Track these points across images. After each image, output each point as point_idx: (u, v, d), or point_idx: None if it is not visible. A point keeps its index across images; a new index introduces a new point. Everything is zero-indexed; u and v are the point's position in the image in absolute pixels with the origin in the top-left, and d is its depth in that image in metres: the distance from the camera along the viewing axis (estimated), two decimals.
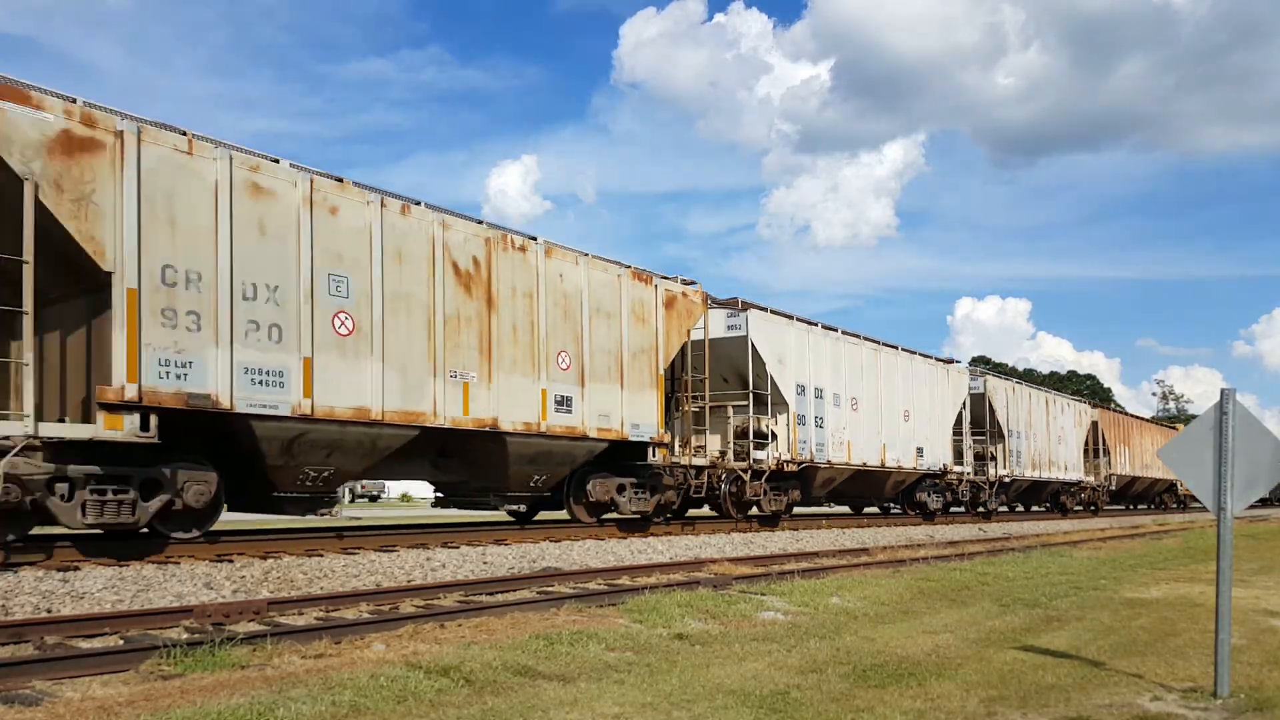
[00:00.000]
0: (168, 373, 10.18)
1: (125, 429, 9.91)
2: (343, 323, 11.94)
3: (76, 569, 9.87)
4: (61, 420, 10.52)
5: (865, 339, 24.13)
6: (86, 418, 10.16)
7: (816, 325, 22.52)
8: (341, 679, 5.81)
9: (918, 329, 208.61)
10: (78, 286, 10.34)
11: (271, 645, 6.67)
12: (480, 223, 14.24)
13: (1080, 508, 38.48)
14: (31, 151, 9.32)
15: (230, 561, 10.94)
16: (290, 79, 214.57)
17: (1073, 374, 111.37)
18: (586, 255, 15.83)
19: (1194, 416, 12.95)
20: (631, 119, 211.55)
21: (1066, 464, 35.92)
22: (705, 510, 21.10)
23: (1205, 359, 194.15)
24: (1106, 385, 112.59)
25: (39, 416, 9.66)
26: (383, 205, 12.57)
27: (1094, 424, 39.14)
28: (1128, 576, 13.97)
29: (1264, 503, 64.78)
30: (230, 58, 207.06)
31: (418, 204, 13.17)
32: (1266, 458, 6.06)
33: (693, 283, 18.28)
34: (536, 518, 18.57)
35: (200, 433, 10.97)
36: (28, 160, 9.30)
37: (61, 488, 9.87)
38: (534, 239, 14.98)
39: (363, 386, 12.10)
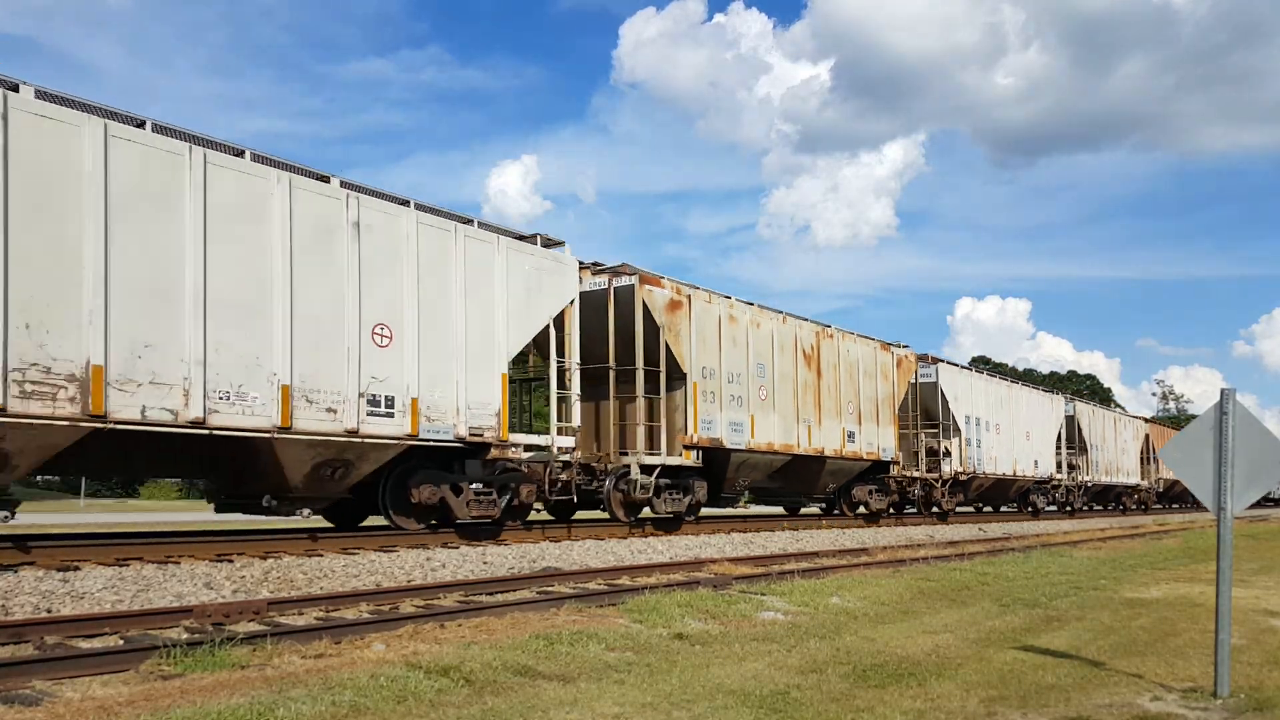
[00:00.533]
0: (704, 427, 18.30)
1: (691, 459, 18.11)
2: (764, 393, 20.07)
3: (77, 569, 9.87)
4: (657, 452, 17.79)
5: (1002, 378, 30.77)
6: (669, 452, 17.88)
7: (981, 372, 31.70)
8: (341, 679, 5.81)
9: (918, 329, 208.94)
10: (668, 380, 17.81)
11: (271, 645, 6.67)
12: (812, 321, 22.16)
13: (1136, 507, 45.74)
14: (660, 311, 17.49)
15: (230, 561, 10.93)
16: (290, 79, 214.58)
17: (1073, 374, 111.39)
18: (855, 334, 23.45)
19: (1194, 416, 12.94)
20: (631, 119, 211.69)
21: (1129, 470, 43.90)
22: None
23: (1205, 359, 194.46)
24: (1106, 385, 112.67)
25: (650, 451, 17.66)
26: (783, 320, 21.04)
27: (1146, 436, 47.01)
28: (1128, 576, 13.97)
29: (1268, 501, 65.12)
30: (230, 58, 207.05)
31: (789, 315, 21.32)
32: (1266, 458, 6.06)
33: (906, 346, 25.51)
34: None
35: (707, 460, 18.63)
36: (659, 315, 17.48)
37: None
38: (829, 326, 22.75)
39: (771, 430, 20.21)
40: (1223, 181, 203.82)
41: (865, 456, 23.43)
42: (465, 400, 13.80)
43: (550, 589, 10.41)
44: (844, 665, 6.77)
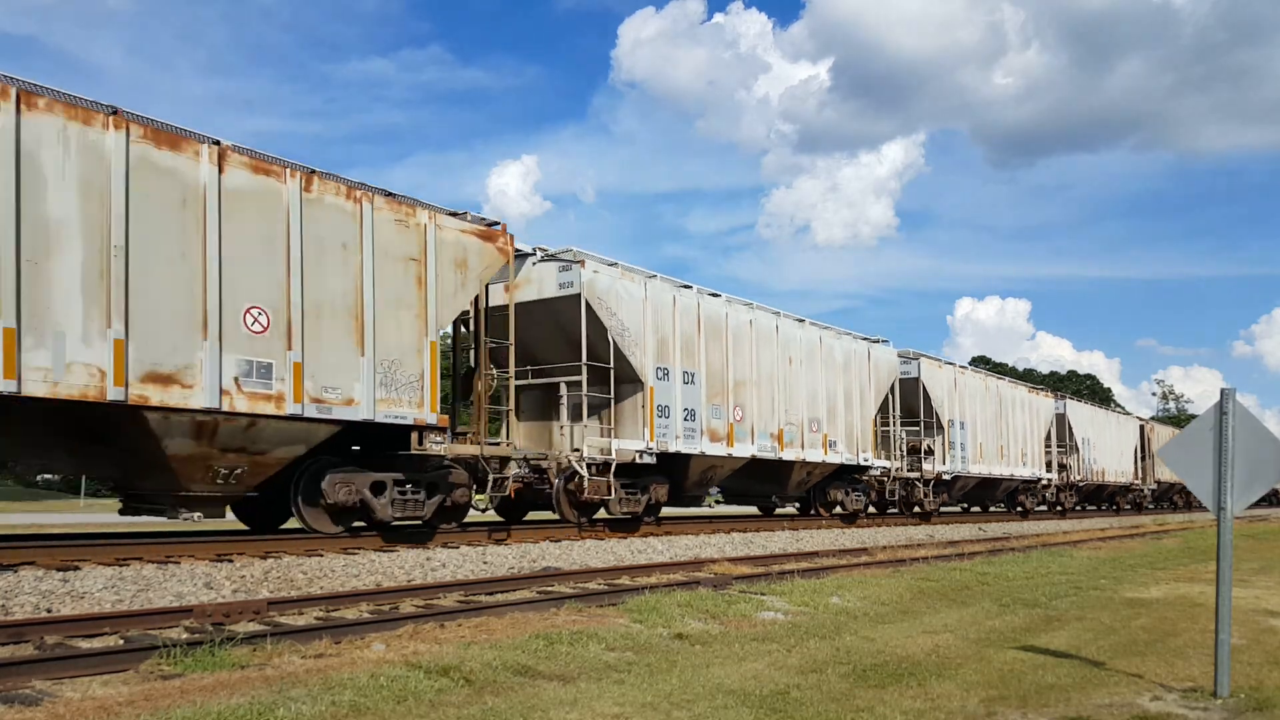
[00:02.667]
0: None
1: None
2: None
3: (77, 569, 9.87)
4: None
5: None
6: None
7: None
8: (341, 679, 5.81)
9: (918, 329, 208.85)
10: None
11: (271, 645, 6.67)
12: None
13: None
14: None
15: (230, 561, 10.93)
16: (291, 79, 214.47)
17: (1073, 374, 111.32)
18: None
19: (1194, 416, 12.94)
20: (632, 119, 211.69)
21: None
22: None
23: (1205, 359, 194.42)
24: (1106, 385, 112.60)
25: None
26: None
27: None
28: (1128, 576, 13.97)
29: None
30: (230, 58, 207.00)
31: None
32: (1266, 458, 6.06)
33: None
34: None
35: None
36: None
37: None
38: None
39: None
40: (1223, 181, 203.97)
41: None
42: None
43: (550, 589, 10.41)
44: (844, 665, 6.77)
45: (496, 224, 14.31)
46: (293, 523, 13.32)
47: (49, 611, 8.25)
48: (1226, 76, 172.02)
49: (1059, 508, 37.03)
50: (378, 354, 12.44)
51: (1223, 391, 6.15)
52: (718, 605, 9.29)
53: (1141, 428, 47.07)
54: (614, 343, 16.22)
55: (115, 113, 10.15)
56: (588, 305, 15.94)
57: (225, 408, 10.84)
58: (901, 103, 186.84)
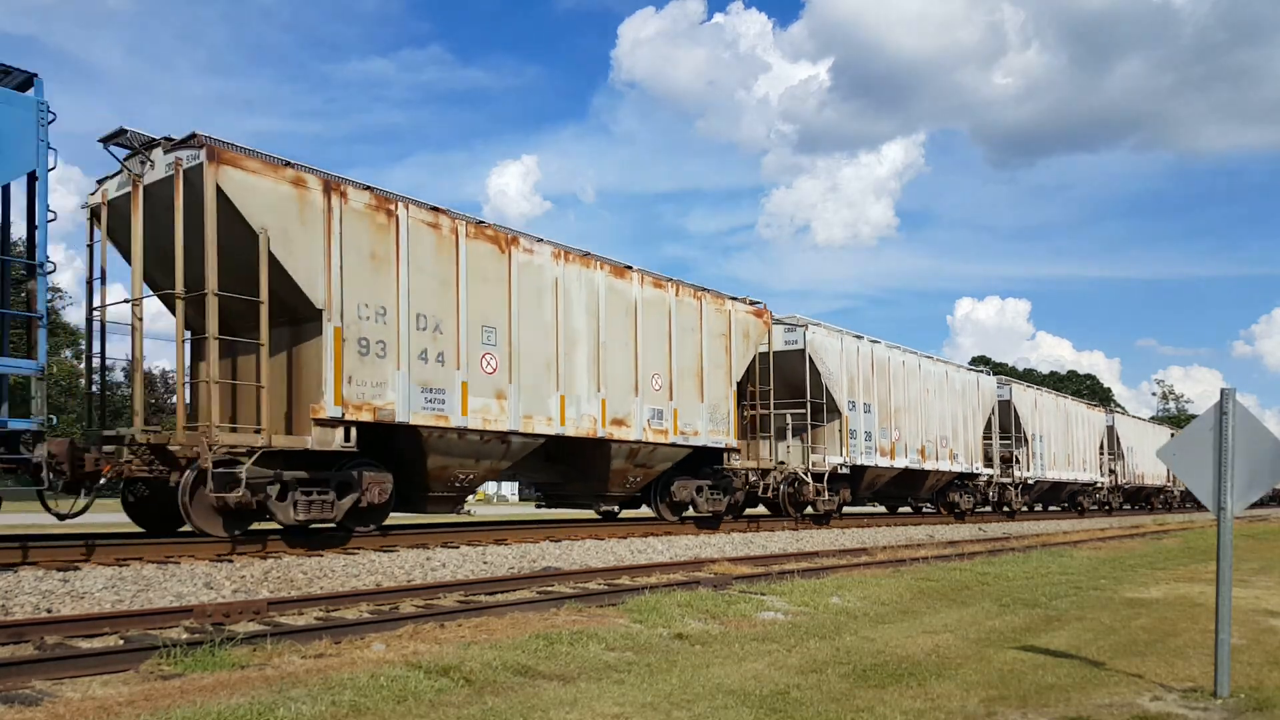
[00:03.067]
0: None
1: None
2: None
3: (76, 569, 9.87)
4: None
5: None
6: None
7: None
8: (341, 679, 5.81)
9: (918, 329, 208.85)
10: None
11: (271, 645, 6.67)
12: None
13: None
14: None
15: (230, 561, 10.94)
16: (291, 79, 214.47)
17: (1073, 374, 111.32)
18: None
19: (1194, 416, 12.94)
20: (632, 119, 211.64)
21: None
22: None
23: (1205, 359, 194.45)
24: (1106, 385, 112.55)
25: None
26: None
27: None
28: (1128, 576, 13.97)
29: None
30: (230, 58, 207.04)
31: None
32: (1266, 458, 6.05)
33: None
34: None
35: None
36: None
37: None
38: (629, 267, 18.23)
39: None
40: (1223, 181, 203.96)
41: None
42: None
43: (550, 589, 10.41)
44: (844, 665, 6.77)
45: (761, 303, 20.39)
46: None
47: (49, 611, 8.25)
48: (1226, 76, 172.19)
49: (1107, 506, 42.36)
50: (708, 400, 18.56)
51: (1223, 391, 6.15)
52: (718, 605, 9.28)
53: (1173, 435, 47.79)
54: (826, 385, 22.27)
55: (588, 255, 16.15)
56: (810, 357, 22.11)
57: (644, 439, 17.00)
58: (901, 103, 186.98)
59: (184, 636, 7.05)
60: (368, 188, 12.67)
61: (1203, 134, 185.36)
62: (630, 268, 17.08)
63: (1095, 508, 41.41)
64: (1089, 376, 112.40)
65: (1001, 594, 11.32)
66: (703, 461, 19.09)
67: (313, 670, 6.12)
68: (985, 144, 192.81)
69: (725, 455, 19.03)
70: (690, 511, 19.52)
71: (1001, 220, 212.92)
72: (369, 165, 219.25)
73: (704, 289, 18.84)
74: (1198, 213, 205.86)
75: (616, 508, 19.30)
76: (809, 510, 22.99)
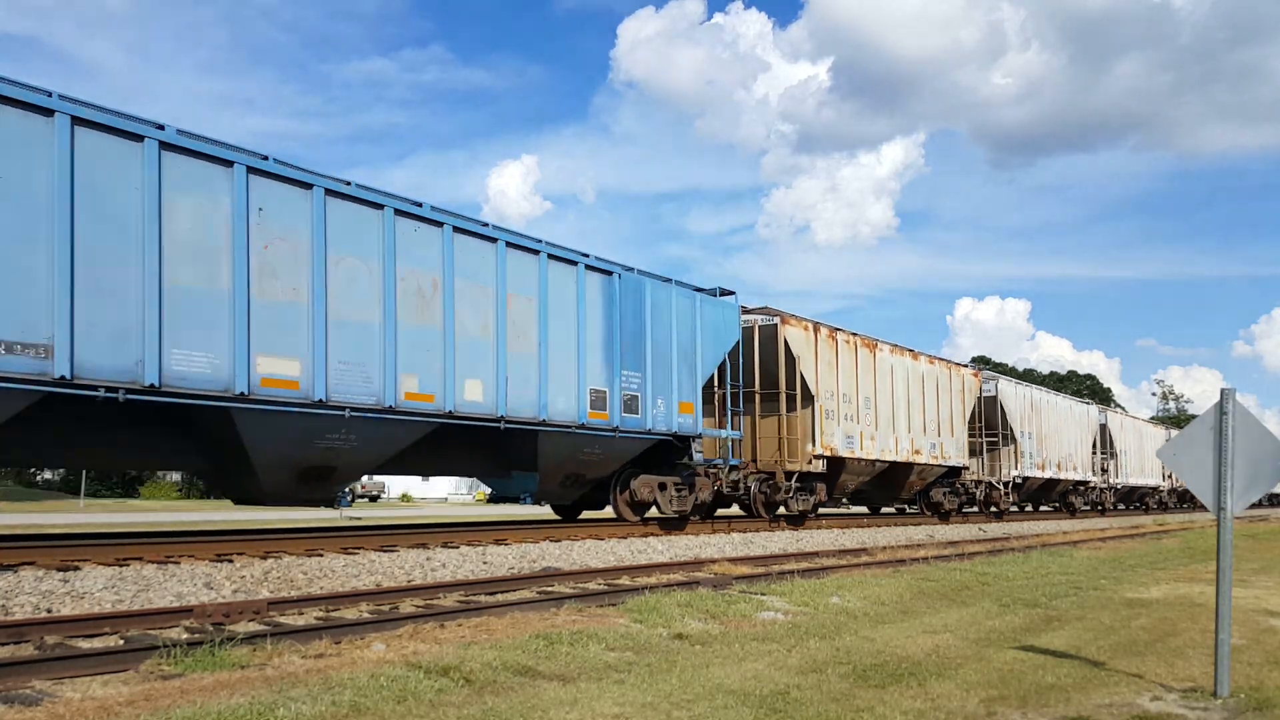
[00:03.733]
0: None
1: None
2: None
3: (77, 569, 9.87)
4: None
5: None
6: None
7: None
8: (341, 679, 5.81)
9: (918, 329, 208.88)
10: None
11: (271, 645, 6.67)
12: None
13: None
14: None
15: (230, 561, 10.94)
16: (291, 79, 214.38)
17: (1072, 374, 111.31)
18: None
19: (1194, 416, 12.94)
20: (632, 119, 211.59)
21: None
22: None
23: (1205, 359, 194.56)
24: (1106, 385, 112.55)
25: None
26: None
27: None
28: (1128, 576, 13.97)
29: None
30: (231, 57, 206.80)
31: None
32: (1266, 458, 6.06)
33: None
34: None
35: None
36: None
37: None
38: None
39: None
40: (1223, 181, 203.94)
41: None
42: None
43: (550, 589, 10.41)
44: (844, 665, 6.77)
45: (973, 368, 28.29)
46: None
47: (49, 611, 8.25)
48: (1226, 76, 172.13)
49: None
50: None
51: (1223, 391, 6.15)
52: (718, 605, 9.28)
53: (1170, 435, 48.24)
54: (1010, 423, 26.70)
55: (856, 334, 22.38)
56: (1001, 404, 27.68)
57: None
58: (901, 103, 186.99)
59: (184, 636, 7.05)
60: (854, 334, 23.06)
61: (1202, 134, 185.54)
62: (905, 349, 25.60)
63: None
64: (1089, 376, 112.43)
65: (1001, 594, 11.32)
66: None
67: (313, 670, 6.12)
68: (985, 144, 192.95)
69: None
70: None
71: (1001, 220, 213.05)
72: (369, 165, 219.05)
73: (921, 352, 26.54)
74: (1198, 213, 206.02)
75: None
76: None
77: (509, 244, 14.36)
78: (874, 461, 23.68)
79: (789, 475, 20.97)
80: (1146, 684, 6.44)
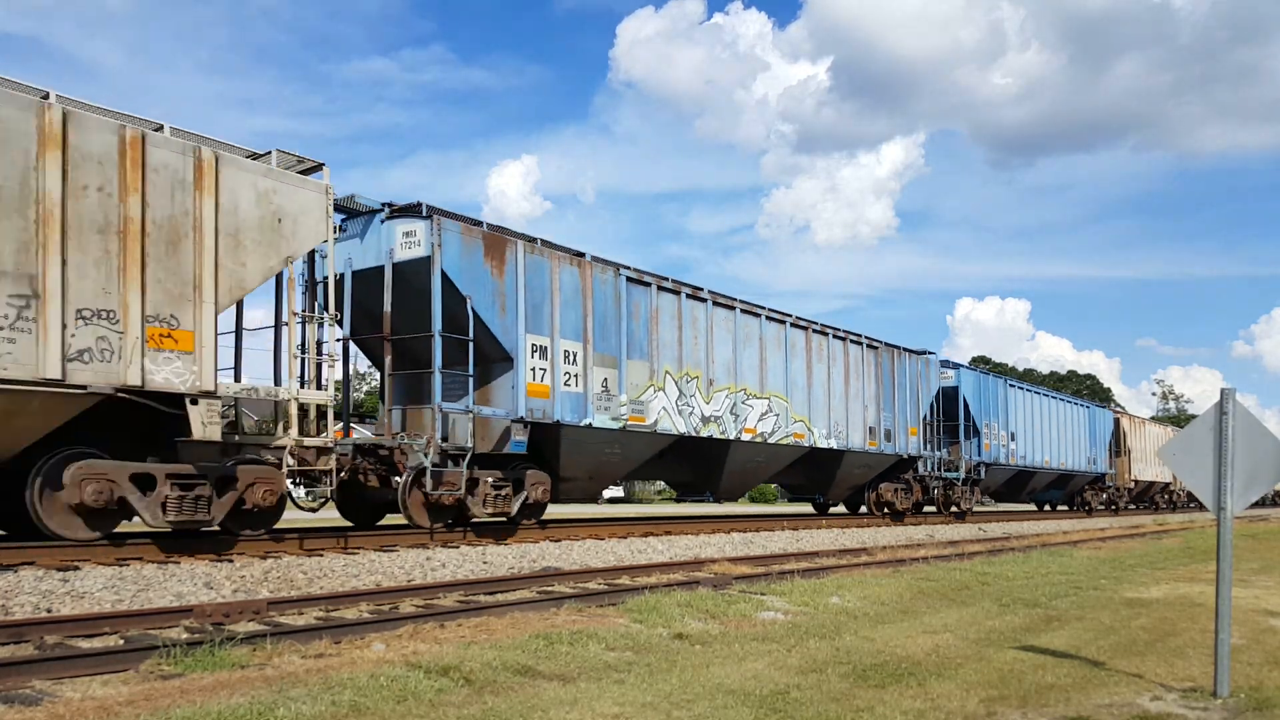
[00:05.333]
0: None
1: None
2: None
3: (76, 568, 9.87)
4: None
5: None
6: None
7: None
8: (341, 679, 5.81)
9: (918, 329, 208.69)
10: None
11: (271, 645, 6.67)
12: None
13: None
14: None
15: (230, 561, 10.94)
16: (291, 79, 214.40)
17: (1072, 374, 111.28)
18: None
19: (1194, 416, 12.95)
20: (632, 119, 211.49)
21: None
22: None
23: (1205, 359, 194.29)
24: (1106, 385, 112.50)
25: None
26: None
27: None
28: (1128, 576, 13.97)
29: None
30: (231, 57, 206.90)
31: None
32: (1267, 458, 6.06)
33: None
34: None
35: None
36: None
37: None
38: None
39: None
40: (1223, 181, 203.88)
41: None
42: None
43: (550, 589, 10.41)
44: (844, 665, 6.77)
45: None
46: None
47: (49, 611, 8.25)
48: (1226, 76, 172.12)
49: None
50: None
51: (1223, 391, 6.15)
52: (718, 605, 9.28)
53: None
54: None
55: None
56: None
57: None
58: (901, 103, 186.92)
59: (184, 636, 7.05)
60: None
61: (1202, 134, 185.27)
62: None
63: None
64: (1089, 376, 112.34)
65: (1001, 594, 11.32)
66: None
67: (313, 670, 6.12)
68: (985, 144, 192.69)
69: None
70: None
71: (1001, 220, 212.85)
72: (370, 165, 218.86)
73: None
74: (1198, 213, 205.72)
75: None
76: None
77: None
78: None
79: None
80: (1146, 684, 6.44)
